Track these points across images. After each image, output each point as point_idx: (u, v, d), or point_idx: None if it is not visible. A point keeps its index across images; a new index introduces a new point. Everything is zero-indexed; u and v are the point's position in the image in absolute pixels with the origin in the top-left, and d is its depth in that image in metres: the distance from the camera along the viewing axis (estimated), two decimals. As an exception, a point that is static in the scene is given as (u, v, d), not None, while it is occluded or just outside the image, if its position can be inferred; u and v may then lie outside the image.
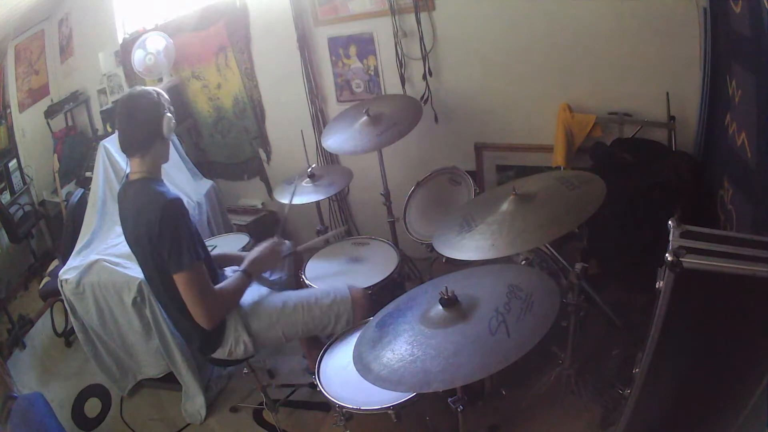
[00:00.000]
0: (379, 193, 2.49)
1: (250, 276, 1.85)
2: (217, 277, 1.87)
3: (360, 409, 1.49)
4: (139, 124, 1.70)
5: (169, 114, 1.75)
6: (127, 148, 1.74)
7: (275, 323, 1.86)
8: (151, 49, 3.00)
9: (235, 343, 1.82)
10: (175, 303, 1.73)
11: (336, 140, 2.32)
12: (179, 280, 1.63)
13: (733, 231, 1.66)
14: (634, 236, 1.99)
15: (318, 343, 2.02)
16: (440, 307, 1.32)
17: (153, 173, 1.73)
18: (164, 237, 1.59)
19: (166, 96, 1.78)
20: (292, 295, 1.94)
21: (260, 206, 3.43)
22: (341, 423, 1.56)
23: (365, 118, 2.26)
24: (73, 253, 2.45)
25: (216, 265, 1.92)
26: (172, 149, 2.73)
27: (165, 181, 1.79)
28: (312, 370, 1.78)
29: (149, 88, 1.75)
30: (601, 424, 1.86)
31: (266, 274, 2.15)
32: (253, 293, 1.96)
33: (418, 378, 1.19)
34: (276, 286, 2.10)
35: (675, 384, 1.38)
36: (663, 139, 2.22)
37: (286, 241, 2.10)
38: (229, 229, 3.04)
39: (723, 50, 1.88)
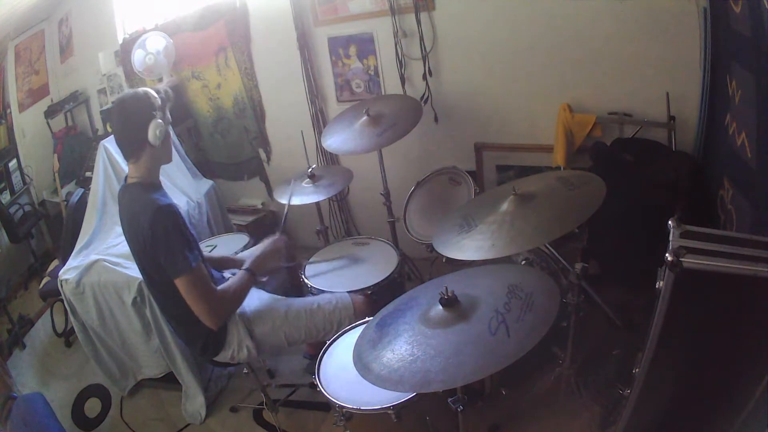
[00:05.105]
0: (379, 193, 2.49)
1: (253, 274, 1.84)
2: (214, 279, 1.86)
3: (360, 409, 1.49)
4: (127, 131, 1.68)
5: (158, 120, 1.66)
6: (121, 152, 1.74)
7: (278, 328, 1.86)
8: (151, 49, 3.01)
9: (238, 348, 1.82)
10: (175, 307, 1.73)
11: (336, 140, 2.32)
12: (179, 284, 1.63)
13: (733, 231, 1.66)
14: (634, 236, 1.99)
15: (322, 342, 2.02)
16: (440, 307, 1.31)
17: (148, 177, 1.72)
18: (158, 244, 1.59)
19: (163, 95, 1.72)
20: (295, 301, 1.95)
21: (260, 206, 3.43)
22: (341, 423, 1.56)
23: (365, 118, 2.26)
24: (73, 253, 2.45)
25: (213, 267, 1.92)
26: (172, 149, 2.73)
27: (165, 180, 1.78)
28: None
29: (142, 90, 1.70)
30: (601, 424, 1.86)
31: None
32: (255, 299, 1.96)
33: (418, 378, 1.19)
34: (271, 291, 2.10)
35: (675, 384, 1.38)
36: (663, 139, 2.22)
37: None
38: (229, 229, 3.03)
39: (723, 50, 1.88)
